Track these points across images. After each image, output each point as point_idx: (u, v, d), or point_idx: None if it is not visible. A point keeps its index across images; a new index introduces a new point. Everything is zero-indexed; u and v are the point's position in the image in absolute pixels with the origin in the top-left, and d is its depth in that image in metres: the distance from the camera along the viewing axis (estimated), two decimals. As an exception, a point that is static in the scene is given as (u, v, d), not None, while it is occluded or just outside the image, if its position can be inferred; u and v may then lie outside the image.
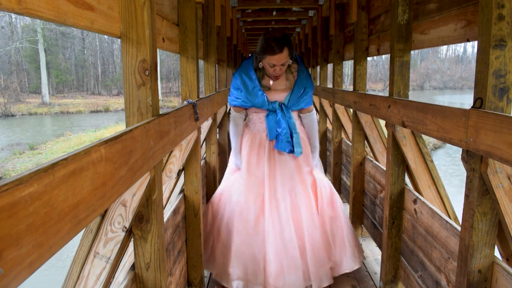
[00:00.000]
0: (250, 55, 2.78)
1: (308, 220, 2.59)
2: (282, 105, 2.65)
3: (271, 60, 2.49)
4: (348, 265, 2.62)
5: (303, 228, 2.57)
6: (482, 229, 1.43)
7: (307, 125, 2.84)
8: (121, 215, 1.26)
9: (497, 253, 1.49)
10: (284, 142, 2.60)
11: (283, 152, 2.66)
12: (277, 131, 2.64)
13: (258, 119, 2.75)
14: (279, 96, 2.67)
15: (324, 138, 5.76)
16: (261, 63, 2.61)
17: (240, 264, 2.53)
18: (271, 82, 2.69)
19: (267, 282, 2.48)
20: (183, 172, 2.41)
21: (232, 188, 2.73)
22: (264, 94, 2.63)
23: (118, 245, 1.23)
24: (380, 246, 2.93)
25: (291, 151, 2.60)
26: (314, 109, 2.86)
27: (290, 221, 2.56)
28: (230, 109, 2.88)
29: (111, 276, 1.23)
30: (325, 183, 2.75)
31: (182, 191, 2.41)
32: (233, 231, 2.59)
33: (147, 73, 1.35)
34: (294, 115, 2.74)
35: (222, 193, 2.79)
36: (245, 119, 2.86)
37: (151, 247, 1.40)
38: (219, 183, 3.70)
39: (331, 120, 5.07)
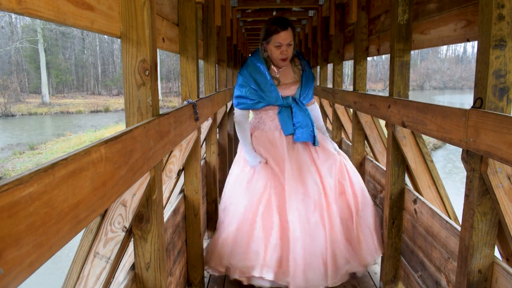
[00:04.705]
0: (254, 51, 2.74)
1: (331, 215, 2.53)
2: (296, 99, 2.65)
3: (277, 39, 2.50)
4: (358, 266, 2.56)
5: (326, 224, 2.51)
6: (482, 229, 1.44)
7: (315, 115, 2.84)
8: (121, 215, 1.26)
9: (497, 253, 1.49)
10: (306, 133, 2.59)
11: (297, 146, 2.64)
12: (293, 124, 2.62)
13: (268, 117, 2.69)
14: (289, 90, 2.66)
15: (324, 138, 5.74)
16: (266, 52, 2.60)
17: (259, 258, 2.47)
18: (277, 74, 2.67)
19: (291, 278, 2.42)
20: (183, 172, 2.41)
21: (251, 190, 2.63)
22: (277, 89, 2.60)
23: (118, 245, 1.23)
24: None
25: (314, 142, 2.61)
26: (315, 100, 2.94)
27: (316, 215, 2.50)
28: (232, 109, 2.85)
29: (111, 276, 1.23)
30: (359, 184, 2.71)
31: (182, 191, 2.41)
32: (254, 228, 2.52)
33: (147, 73, 1.35)
34: None
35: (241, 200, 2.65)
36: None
37: (151, 247, 1.40)
38: (219, 183, 3.71)
39: (331, 120, 5.07)
